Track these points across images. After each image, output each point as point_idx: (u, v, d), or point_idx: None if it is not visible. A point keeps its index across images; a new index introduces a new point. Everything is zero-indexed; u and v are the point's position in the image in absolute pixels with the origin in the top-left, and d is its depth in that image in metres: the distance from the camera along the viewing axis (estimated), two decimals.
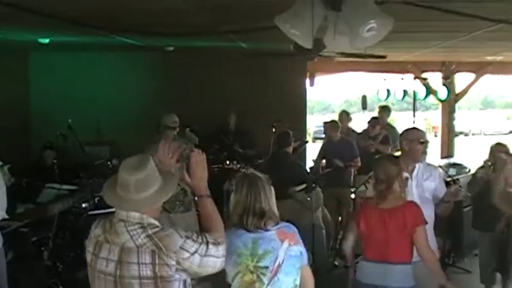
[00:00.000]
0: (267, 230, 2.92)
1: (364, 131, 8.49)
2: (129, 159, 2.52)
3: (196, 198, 2.80)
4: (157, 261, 2.41)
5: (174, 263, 2.42)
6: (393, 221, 3.84)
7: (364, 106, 10.86)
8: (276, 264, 2.91)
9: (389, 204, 3.91)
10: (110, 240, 2.48)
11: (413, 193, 4.43)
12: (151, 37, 7.18)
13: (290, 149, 6.62)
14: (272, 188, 2.98)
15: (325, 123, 8.12)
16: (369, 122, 8.47)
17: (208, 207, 2.71)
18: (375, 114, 9.41)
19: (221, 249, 2.54)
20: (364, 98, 10.95)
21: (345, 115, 9.10)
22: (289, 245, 2.95)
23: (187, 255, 2.44)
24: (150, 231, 2.43)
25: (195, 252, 2.46)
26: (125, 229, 2.44)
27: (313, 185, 6.30)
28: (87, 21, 5.90)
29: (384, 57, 6.83)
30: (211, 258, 2.50)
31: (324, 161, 8.03)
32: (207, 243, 2.50)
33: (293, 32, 3.82)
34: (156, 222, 2.48)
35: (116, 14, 5.60)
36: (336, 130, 7.89)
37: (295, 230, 3.04)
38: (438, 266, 3.96)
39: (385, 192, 3.89)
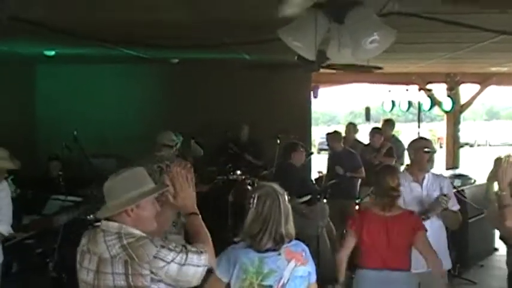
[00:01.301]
0: (275, 250, 2.87)
1: (370, 143, 8.44)
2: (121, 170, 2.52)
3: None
4: (130, 272, 2.38)
5: (148, 272, 2.39)
6: (395, 228, 3.89)
7: (368, 118, 10.84)
8: (280, 283, 2.87)
9: (390, 213, 3.96)
10: (91, 250, 2.48)
11: (423, 203, 4.45)
12: (156, 49, 7.17)
13: (296, 161, 6.58)
14: (289, 205, 2.90)
15: (328, 134, 8.10)
16: (370, 132, 8.40)
17: (196, 225, 2.65)
18: (380, 125, 9.30)
19: (203, 259, 2.49)
20: (367, 109, 10.89)
21: (351, 127, 9.10)
22: (296, 265, 2.91)
23: (162, 264, 2.40)
24: (125, 241, 2.40)
25: (172, 261, 2.42)
26: (103, 239, 2.43)
27: (318, 196, 6.33)
28: (93, 33, 5.94)
29: (380, 68, 6.56)
30: (192, 267, 2.45)
31: (325, 171, 8.05)
32: (187, 252, 2.45)
33: (296, 44, 3.84)
34: (136, 232, 2.45)
35: (121, 27, 5.65)
36: (339, 141, 7.86)
37: (305, 248, 3.00)
38: (443, 268, 4.02)
39: (386, 201, 3.94)
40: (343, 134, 8.31)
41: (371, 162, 7.79)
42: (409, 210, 4.08)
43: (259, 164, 8.55)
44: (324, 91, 11.19)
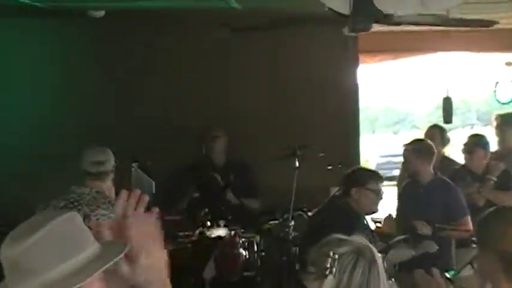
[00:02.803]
0: None
1: (466, 163, 6.48)
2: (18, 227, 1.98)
3: None
4: None
5: None
6: None
7: (448, 118, 8.31)
8: None
9: None
10: None
11: None
12: None
13: (362, 204, 5.20)
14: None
15: (405, 146, 6.25)
16: (465, 144, 6.48)
17: None
18: (488, 129, 8.32)
19: None
20: (446, 102, 8.43)
21: (437, 133, 6.85)
22: None
23: None
24: None
25: None
26: None
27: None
28: None
29: (493, 23, 5.37)
30: None
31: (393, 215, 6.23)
32: None
33: None
34: None
35: None
36: (428, 162, 5.97)
37: None
38: None
39: None
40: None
41: (471, 202, 6.02)
42: None
43: (255, 207, 6.54)
44: (384, 69, 9.61)
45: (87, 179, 4.44)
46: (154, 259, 2.02)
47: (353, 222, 5.12)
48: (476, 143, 6.44)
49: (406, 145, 6.33)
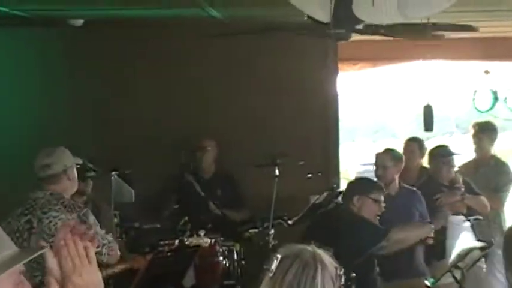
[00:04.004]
0: None
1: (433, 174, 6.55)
2: None
3: None
4: None
5: None
6: None
7: (428, 126, 8.00)
8: None
9: None
10: None
11: None
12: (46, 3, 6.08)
13: (358, 212, 5.29)
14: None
15: (377, 156, 6.23)
16: (430, 152, 6.62)
17: None
18: (466, 137, 7.83)
19: None
20: (427, 110, 8.14)
21: (415, 145, 6.87)
22: None
23: None
24: None
25: None
26: None
27: (354, 274, 4.83)
28: None
29: (473, 29, 5.48)
30: None
31: None
32: None
33: None
34: None
35: None
36: (395, 169, 6.01)
37: None
38: None
39: None
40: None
41: (455, 210, 6.09)
42: None
43: (238, 217, 6.50)
44: (362, 76, 9.37)
45: (41, 183, 4.39)
46: (86, 281, 2.05)
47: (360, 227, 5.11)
48: (441, 153, 6.43)
49: (381, 154, 6.24)
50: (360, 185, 5.37)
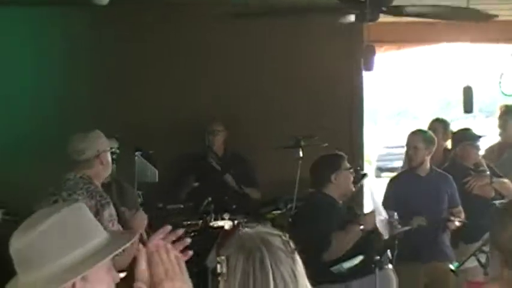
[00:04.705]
0: None
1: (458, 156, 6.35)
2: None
3: None
4: None
5: None
6: None
7: (468, 107, 7.94)
8: None
9: None
10: None
11: None
12: None
13: (339, 190, 5.12)
14: (300, 264, 2.13)
15: (409, 136, 6.03)
16: (453, 136, 6.53)
17: None
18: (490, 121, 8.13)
19: None
20: (467, 91, 7.97)
21: (439, 126, 6.70)
22: None
23: None
24: None
25: None
26: None
27: (378, 257, 4.90)
28: None
29: (493, 16, 5.55)
30: None
31: (395, 214, 5.61)
32: None
33: None
34: None
35: None
36: (427, 153, 5.84)
37: None
38: None
39: None
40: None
41: (481, 194, 5.96)
42: None
43: (255, 197, 6.56)
44: (386, 59, 9.23)
45: (73, 165, 4.42)
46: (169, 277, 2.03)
47: (331, 208, 5.10)
48: (467, 137, 6.34)
49: (412, 135, 6.07)
50: (330, 162, 5.28)
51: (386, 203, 5.67)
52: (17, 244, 1.95)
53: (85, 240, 1.99)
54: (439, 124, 6.76)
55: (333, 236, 4.86)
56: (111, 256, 1.99)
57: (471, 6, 5.25)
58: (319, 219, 4.96)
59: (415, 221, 5.45)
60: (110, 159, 4.51)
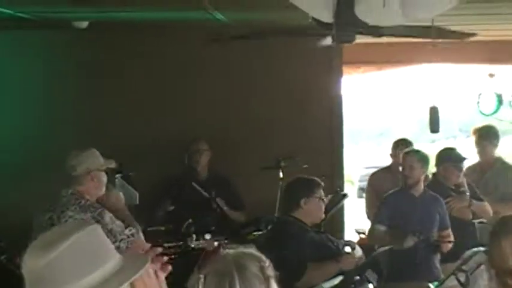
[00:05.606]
0: None
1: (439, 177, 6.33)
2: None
3: None
4: None
5: None
6: None
7: (434, 127, 7.67)
8: None
9: None
10: None
11: None
12: (53, 4, 6.02)
13: (309, 215, 4.94)
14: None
15: (404, 156, 6.04)
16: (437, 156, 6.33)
17: None
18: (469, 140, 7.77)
19: None
20: (433, 111, 7.81)
21: (403, 146, 6.68)
22: None
23: None
24: None
25: None
26: None
27: (358, 277, 4.92)
28: None
29: (470, 35, 5.53)
30: None
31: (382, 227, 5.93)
32: None
33: None
34: None
35: None
36: (422, 171, 5.87)
37: None
38: None
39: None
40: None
41: (462, 216, 6.07)
42: None
43: (238, 219, 6.41)
44: (366, 80, 9.34)
45: (69, 180, 4.45)
46: None
47: (301, 232, 4.89)
48: (451, 158, 6.26)
49: (408, 154, 6.04)
50: (303, 186, 5.09)
51: (377, 219, 5.78)
52: (34, 264, 1.90)
53: (101, 263, 1.95)
54: (403, 144, 6.75)
55: (308, 266, 4.70)
56: (130, 280, 1.94)
57: (449, 27, 5.24)
58: (291, 247, 4.80)
59: (408, 240, 5.41)
60: (103, 178, 4.49)
